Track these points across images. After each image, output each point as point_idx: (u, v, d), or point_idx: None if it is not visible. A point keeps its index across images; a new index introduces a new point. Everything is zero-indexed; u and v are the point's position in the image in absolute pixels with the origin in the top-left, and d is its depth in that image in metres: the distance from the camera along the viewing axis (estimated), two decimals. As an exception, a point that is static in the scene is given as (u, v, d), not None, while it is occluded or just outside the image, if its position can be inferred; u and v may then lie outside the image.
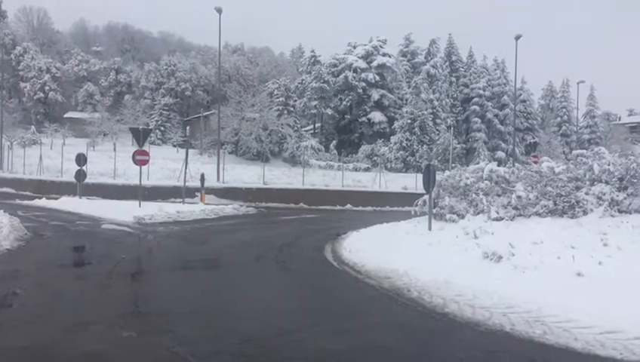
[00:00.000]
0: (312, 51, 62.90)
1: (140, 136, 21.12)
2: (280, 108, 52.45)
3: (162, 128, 63.32)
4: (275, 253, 12.63)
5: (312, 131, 60.61)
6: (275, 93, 54.69)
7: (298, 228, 18.87)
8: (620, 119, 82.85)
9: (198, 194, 27.07)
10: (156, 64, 72.23)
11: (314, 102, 56.50)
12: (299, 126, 54.40)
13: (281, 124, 49.95)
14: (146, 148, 22.14)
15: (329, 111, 57.10)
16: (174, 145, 56.46)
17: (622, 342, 5.67)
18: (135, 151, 21.30)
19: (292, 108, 54.30)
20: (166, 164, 37.25)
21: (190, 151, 34.41)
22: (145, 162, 21.52)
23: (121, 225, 17.26)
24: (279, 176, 37.45)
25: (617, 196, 12.67)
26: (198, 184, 26.92)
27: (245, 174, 36.28)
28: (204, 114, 57.18)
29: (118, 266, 10.17)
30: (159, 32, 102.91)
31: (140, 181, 21.93)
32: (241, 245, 14.07)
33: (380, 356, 5.43)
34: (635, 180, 12.77)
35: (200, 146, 51.89)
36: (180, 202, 25.23)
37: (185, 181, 25.84)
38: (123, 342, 5.69)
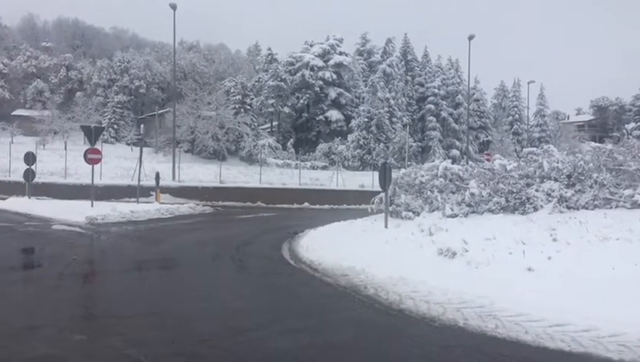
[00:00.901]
0: (269, 49, 62.65)
1: (92, 134, 20.62)
2: (237, 106, 52.03)
3: (116, 126, 61.94)
4: (231, 252, 12.53)
5: (269, 130, 60.37)
6: (232, 91, 54.22)
7: (255, 227, 18.78)
8: (568, 118, 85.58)
9: (153, 193, 26.58)
10: (109, 61, 70.56)
11: (271, 101, 56.28)
12: (256, 124, 54.13)
13: (238, 123, 49.59)
14: (98, 146, 21.64)
15: (286, 110, 57.00)
16: (128, 144, 55.33)
17: (570, 334, 5.85)
18: (87, 150, 20.78)
19: (249, 107, 53.94)
20: (120, 162, 36.50)
21: (145, 149, 33.79)
22: (97, 161, 21.02)
23: (73, 225, 16.81)
24: (236, 174, 37.20)
25: (566, 193, 13.07)
26: (153, 183, 26.44)
27: (202, 173, 35.88)
28: (160, 112, 56.20)
29: (69, 268, 9.90)
30: (112, 27, 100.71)
31: (93, 180, 21.42)
32: (197, 244, 13.90)
33: (336, 353, 5.45)
34: (582, 177, 13.20)
35: (155, 145, 51.01)
36: (135, 201, 24.74)
37: (139, 180, 25.37)
38: (74, 345, 5.55)
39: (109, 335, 5.83)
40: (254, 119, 53.69)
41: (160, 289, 8.52)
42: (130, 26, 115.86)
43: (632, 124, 71.49)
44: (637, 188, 12.42)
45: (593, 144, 15.15)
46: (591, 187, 12.98)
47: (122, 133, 61.32)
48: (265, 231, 17.28)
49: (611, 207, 12.53)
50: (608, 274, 7.39)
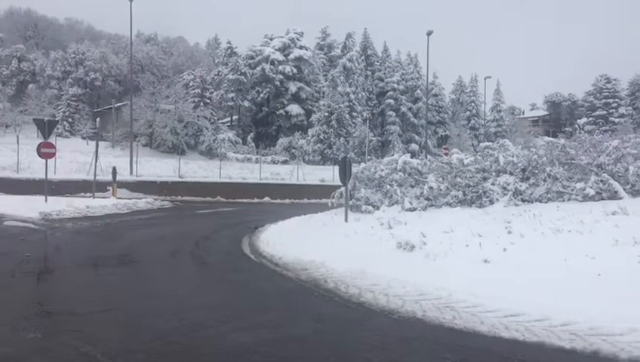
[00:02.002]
0: (229, 42, 62.08)
1: (45, 127, 20.04)
2: (196, 100, 51.42)
3: (70, 120, 60.24)
4: (191, 247, 12.40)
5: (229, 124, 59.91)
6: (191, 84, 53.52)
7: (215, 222, 18.62)
8: (523, 113, 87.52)
9: (110, 188, 26.05)
10: (63, 52, 68.52)
11: (231, 94, 55.85)
12: (216, 118, 53.63)
13: (198, 116, 49.03)
14: (52, 140, 21.06)
15: (246, 104, 56.67)
16: (84, 138, 53.95)
17: (524, 324, 6.00)
18: (40, 144, 20.21)
19: (208, 100, 53.37)
20: (75, 157, 35.59)
21: (101, 143, 33.11)
22: (51, 155, 20.47)
23: (26, 221, 16.30)
24: (195, 169, 36.83)
25: (520, 186, 13.39)
26: (109, 178, 25.90)
27: (160, 167, 35.37)
28: (116, 105, 54.96)
29: (21, 265, 9.61)
30: (66, 18, 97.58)
31: (46, 175, 20.85)
32: (155, 240, 13.70)
33: (296, 347, 5.46)
34: (536, 171, 13.54)
35: (112, 139, 49.95)
36: (90, 197, 24.22)
37: (95, 175, 24.80)
38: (28, 343, 5.39)
39: (64, 333, 5.69)
40: (214, 113, 53.18)
41: (117, 286, 8.36)
42: (85, 17, 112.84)
43: (584, 119, 73.63)
44: (588, 181, 12.81)
45: (547, 139, 15.56)
46: (544, 180, 13.33)
47: (77, 127, 59.70)
48: (225, 226, 17.15)
49: (564, 200, 12.90)
50: (560, 266, 7.62)
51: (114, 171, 25.64)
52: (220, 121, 56.65)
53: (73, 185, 27.59)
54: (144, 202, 24.07)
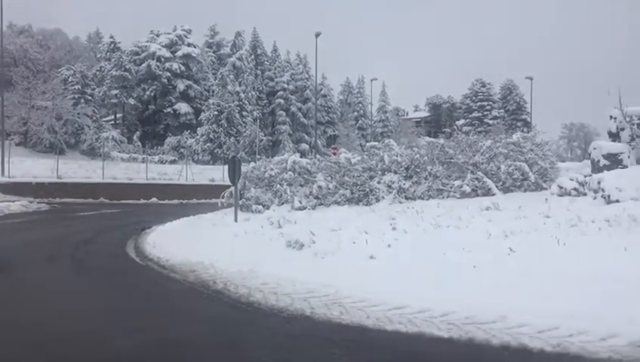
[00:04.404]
0: (112, 37, 59.23)
1: None
2: (76, 96, 48.68)
3: None
4: (71, 251, 11.74)
5: (113, 122, 57.29)
6: (70, 80, 50.56)
7: (98, 224, 17.76)
8: (407, 114, 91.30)
9: (-22, 190, 24.02)
10: None
11: (115, 91, 53.42)
12: (98, 116, 51.10)
13: (78, 114, 46.44)
14: None
15: (132, 101, 54.50)
16: (-53, 136, 49.33)
17: (407, 316, 6.26)
18: None
19: (90, 97, 50.73)
20: (-64, 157, 32.44)
21: (-33, 142, 30.40)
22: None
23: None
24: (76, 169, 34.93)
25: (404, 184, 13.98)
26: (-23, 179, 23.90)
27: (36, 168, 33.11)
28: (-15, 101, 50.76)
29: None
30: None
31: None
32: (31, 244, 12.83)
33: (182, 350, 5.33)
34: (418, 170, 14.20)
35: (-20, 137, 46.03)
36: (-45, 200, 22.21)
37: (-39, 176, 22.77)
38: None
39: None
40: (96, 110, 50.65)
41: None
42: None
43: (462, 121, 78.06)
44: (465, 179, 13.64)
45: (428, 139, 16.38)
46: (426, 179, 14.01)
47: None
48: (108, 229, 16.41)
49: (443, 197, 13.63)
50: (440, 259, 8.04)
51: (-18, 172, 23.68)
52: (104, 119, 54.08)
53: None
54: (18, 205, 22.46)
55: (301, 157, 17.90)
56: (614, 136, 15.02)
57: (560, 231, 8.72)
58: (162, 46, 56.90)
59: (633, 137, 14.47)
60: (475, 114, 77.04)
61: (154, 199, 30.78)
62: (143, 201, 30.08)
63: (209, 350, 5.38)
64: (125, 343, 5.46)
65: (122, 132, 52.73)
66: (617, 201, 10.37)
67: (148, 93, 55.15)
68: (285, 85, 65.40)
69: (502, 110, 78.79)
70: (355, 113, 75.23)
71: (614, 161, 13.81)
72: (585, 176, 12.81)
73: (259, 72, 67.35)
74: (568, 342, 5.18)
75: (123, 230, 15.94)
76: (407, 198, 13.92)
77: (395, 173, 14.33)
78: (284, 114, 63.77)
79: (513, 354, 5.06)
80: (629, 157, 13.94)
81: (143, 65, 55.24)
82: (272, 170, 16.31)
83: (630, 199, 10.33)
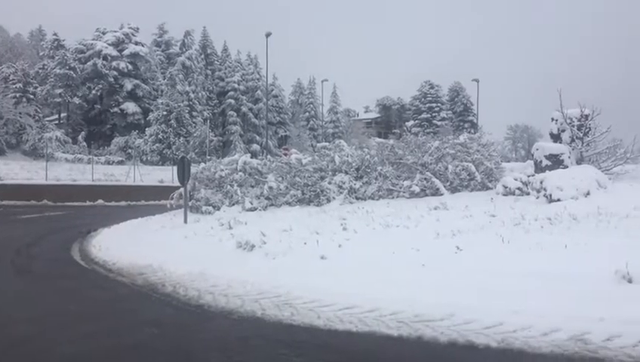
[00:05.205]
0: (55, 34, 57.41)
1: None
2: (18, 95, 46.91)
3: None
4: (11, 255, 11.32)
5: (57, 122, 55.46)
6: (12, 78, 48.66)
7: (41, 227, 17.18)
8: (358, 115, 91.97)
9: None
10: None
11: (59, 90, 51.74)
12: (41, 115, 49.37)
13: (20, 113, 44.76)
14: None
15: (77, 101, 52.87)
16: None
17: (357, 316, 6.32)
18: None
19: (32, 96, 48.95)
20: None
21: None
22: None
23: None
24: (17, 170, 33.69)
25: (355, 184, 14.09)
26: None
27: (-27, 169, 31.78)
28: None
29: None
30: None
31: None
32: (-32, 250, 12.29)
33: (131, 354, 5.23)
34: (369, 170, 14.35)
35: None
36: None
37: None
38: None
39: None
40: (39, 110, 48.92)
41: None
42: None
43: (411, 122, 79.36)
44: (414, 179, 13.86)
45: (378, 140, 16.58)
46: (376, 179, 14.17)
47: None
48: (52, 232, 15.90)
49: (393, 197, 13.82)
50: (390, 258, 8.15)
51: None
52: (47, 119, 52.28)
53: None
54: (-46, 208, 21.50)
55: (252, 157, 17.80)
56: (556, 138, 15.59)
57: (505, 229, 8.98)
58: (109, 44, 55.50)
59: (573, 138, 15.04)
60: (424, 115, 78.39)
61: (100, 201, 30.00)
62: (88, 203, 29.29)
63: (158, 354, 5.28)
64: (71, 350, 5.30)
65: (67, 132, 51.12)
66: (559, 200, 10.76)
67: (94, 92, 53.66)
68: (236, 85, 64.81)
69: (450, 112, 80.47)
70: (307, 114, 75.30)
71: (556, 162, 14.33)
72: (528, 176, 13.25)
73: (209, 71, 66.52)
74: (512, 337, 5.33)
75: (68, 233, 15.46)
76: (357, 198, 14.04)
77: (346, 173, 14.44)
78: (235, 114, 63.20)
79: (460, 350, 5.18)
80: (569, 157, 14.49)
81: (89, 63, 53.71)
82: (222, 170, 16.15)
83: (570, 198, 10.75)
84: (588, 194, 11.08)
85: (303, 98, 77.10)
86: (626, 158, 15.37)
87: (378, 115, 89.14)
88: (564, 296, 6.07)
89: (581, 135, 15.03)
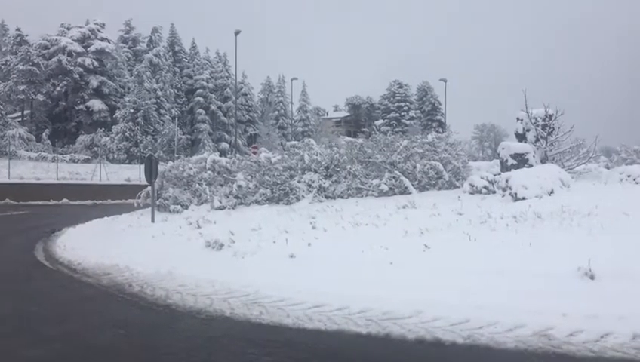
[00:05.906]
0: (18, 29, 56.14)
1: None
2: (-21, 92, 45.78)
3: None
4: (-29, 257, 11.03)
5: (20, 119, 54.22)
6: (-28, 74, 47.49)
7: (2, 228, 16.81)
8: (327, 114, 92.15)
9: None
10: None
11: (21, 87, 50.60)
12: (4, 112, 48.19)
13: (-19, 110, 43.67)
14: None
15: (40, 97, 51.81)
16: None
17: (326, 314, 6.34)
18: None
19: (-6, 93, 47.83)
20: None
21: None
22: None
23: None
24: (-22, 169, 32.78)
25: (324, 183, 14.12)
26: None
27: None
28: None
29: None
30: None
31: None
32: None
33: (96, 357, 5.14)
34: (338, 169, 14.39)
35: None
36: None
37: None
38: None
39: None
40: (1, 107, 47.75)
41: None
42: None
43: (380, 121, 79.79)
44: (383, 178, 13.95)
45: (347, 138, 16.63)
46: (345, 178, 14.22)
47: None
48: (14, 232, 15.54)
49: (362, 196, 13.89)
50: (359, 257, 8.18)
51: None
52: (9, 116, 51.10)
53: None
54: None
55: (221, 156, 17.69)
56: (521, 137, 15.86)
57: (471, 227, 9.11)
58: (74, 40, 54.46)
59: (538, 138, 15.33)
60: (392, 114, 78.93)
61: (65, 200, 29.44)
62: (53, 202, 28.72)
63: (124, 356, 5.21)
64: (35, 353, 5.18)
65: (30, 129, 50.02)
66: (524, 199, 10.96)
67: (58, 88, 52.62)
68: (205, 83, 64.30)
69: (418, 111, 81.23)
70: (276, 112, 75.16)
71: (521, 161, 14.58)
72: (494, 175, 13.45)
73: (177, 69, 65.85)
74: (478, 333, 5.42)
75: (31, 233, 15.13)
76: (327, 197, 14.07)
77: (315, 172, 14.45)
78: (204, 112, 62.71)
79: (428, 347, 5.24)
80: (534, 156, 14.76)
81: (53, 59, 52.62)
82: (190, 169, 16.01)
83: (535, 196, 10.96)
84: (552, 192, 11.31)
85: (273, 96, 76.94)
86: (588, 157, 15.73)
87: (347, 114, 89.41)
88: (528, 292, 6.18)
89: (545, 134, 15.32)
